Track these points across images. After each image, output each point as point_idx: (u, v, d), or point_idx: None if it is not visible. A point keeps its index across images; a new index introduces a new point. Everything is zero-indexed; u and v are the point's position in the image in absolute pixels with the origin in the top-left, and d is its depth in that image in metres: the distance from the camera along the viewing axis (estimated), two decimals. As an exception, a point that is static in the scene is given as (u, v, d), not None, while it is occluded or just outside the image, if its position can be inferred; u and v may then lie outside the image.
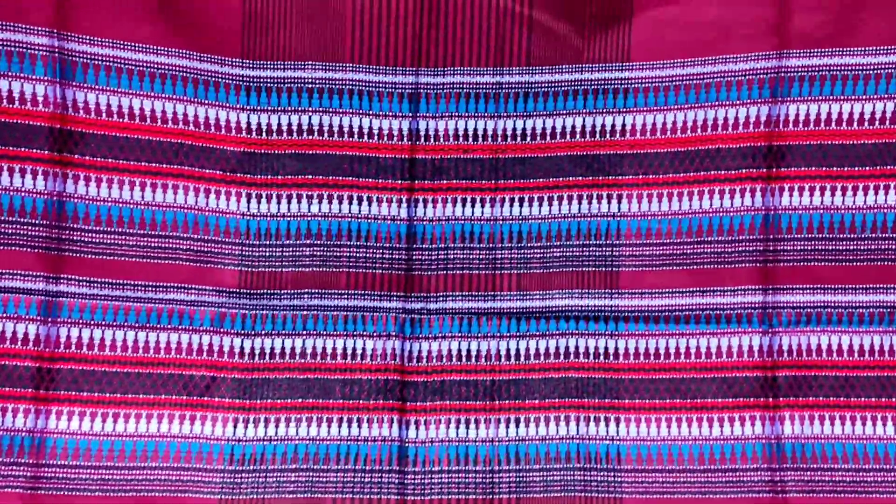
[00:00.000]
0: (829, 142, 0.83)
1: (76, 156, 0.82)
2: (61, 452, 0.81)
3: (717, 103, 0.84)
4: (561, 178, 0.86)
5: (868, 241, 0.83)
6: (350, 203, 0.86)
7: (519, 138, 0.86)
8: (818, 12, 0.83)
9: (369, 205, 0.86)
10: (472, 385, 0.85)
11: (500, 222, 0.86)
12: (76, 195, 0.82)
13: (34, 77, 0.80)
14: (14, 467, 0.80)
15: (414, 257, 0.86)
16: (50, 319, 0.81)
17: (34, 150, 0.80)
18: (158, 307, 0.83)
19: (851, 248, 0.83)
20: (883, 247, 0.83)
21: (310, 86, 0.85)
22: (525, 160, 0.86)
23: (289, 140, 0.85)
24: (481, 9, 0.84)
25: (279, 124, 0.85)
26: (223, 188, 0.85)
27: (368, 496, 0.83)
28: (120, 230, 0.83)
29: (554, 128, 0.86)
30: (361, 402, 0.84)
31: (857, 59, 0.82)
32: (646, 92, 0.85)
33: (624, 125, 0.85)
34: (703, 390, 0.84)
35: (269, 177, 0.86)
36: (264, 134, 0.85)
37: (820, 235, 0.84)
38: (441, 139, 0.86)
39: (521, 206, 0.86)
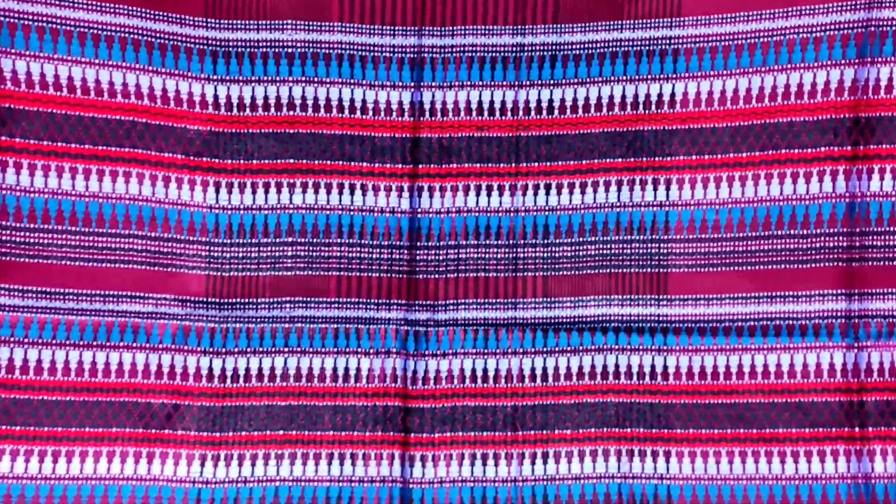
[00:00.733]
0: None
1: (3, 137, 0.80)
2: (-9, 500, 0.81)
3: (788, 66, 0.81)
4: (596, 161, 0.84)
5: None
6: (340, 193, 0.84)
7: (545, 112, 0.84)
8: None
9: (363, 194, 0.84)
10: (489, 412, 0.83)
11: (523, 214, 0.84)
12: (4, 185, 0.80)
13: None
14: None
15: (418, 257, 0.84)
16: (-27, 338, 0.81)
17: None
18: (108, 321, 0.81)
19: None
20: None
21: (289, 50, 0.83)
22: (552, 138, 0.84)
23: (265, 116, 0.84)
24: (498, -46, 0.85)
25: (253, 97, 0.84)
26: (185, 175, 0.83)
27: (365, 551, 0.83)
28: (59, 228, 0.81)
29: (587, 99, 0.84)
30: (356, 433, 0.83)
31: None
32: (700, 53, 0.83)
33: (673, 95, 0.83)
34: (773, 418, 0.81)
35: (241, 161, 0.84)
36: (235, 110, 0.83)
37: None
38: (450, 114, 0.84)
39: (547, 194, 0.84)
